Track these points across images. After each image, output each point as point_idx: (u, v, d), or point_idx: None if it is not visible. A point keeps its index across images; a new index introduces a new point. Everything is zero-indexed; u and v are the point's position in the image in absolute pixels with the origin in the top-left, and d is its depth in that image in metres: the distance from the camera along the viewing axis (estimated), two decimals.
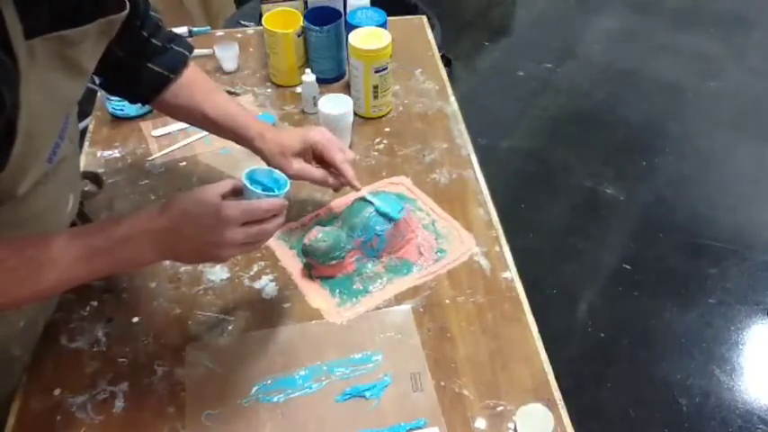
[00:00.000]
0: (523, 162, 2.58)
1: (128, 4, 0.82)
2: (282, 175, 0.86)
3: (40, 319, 0.93)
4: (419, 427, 0.83)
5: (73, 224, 0.97)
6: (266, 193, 0.81)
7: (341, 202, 1.12)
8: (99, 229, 0.78)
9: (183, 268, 1.02)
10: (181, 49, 1.01)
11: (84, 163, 1.19)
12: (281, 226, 0.83)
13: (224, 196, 0.79)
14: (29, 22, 0.65)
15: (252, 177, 0.83)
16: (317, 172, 1.01)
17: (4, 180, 0.71)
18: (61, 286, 0.78)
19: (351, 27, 1.26)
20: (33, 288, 0.74)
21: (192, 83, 1.02)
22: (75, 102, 0.85)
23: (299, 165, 0.99)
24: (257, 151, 1.01)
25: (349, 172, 1.00)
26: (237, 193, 0.81)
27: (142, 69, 0.98)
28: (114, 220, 0.77)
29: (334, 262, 0.98)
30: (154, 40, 0.97)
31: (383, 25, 1.29)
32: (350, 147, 1.22)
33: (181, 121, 1.12)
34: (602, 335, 2.00)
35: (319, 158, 1.01)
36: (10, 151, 0.68)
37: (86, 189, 1.12)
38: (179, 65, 1.00)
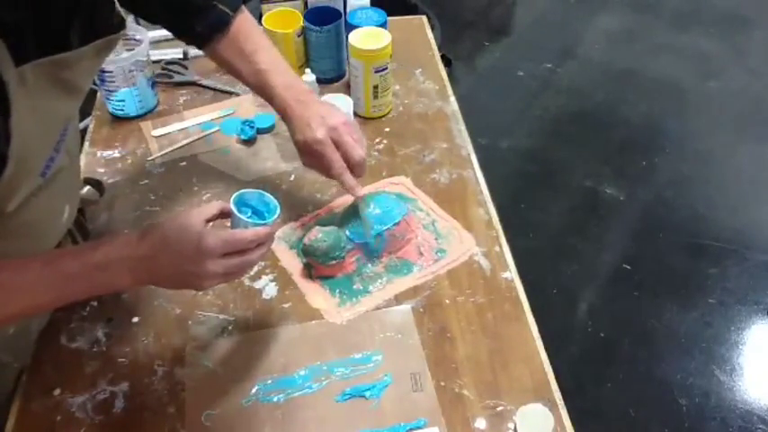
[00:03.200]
0: (523, 162, 2.58)
1: (126, 22, 0.81)
2: (273, 199, 0.83)
3: (32, 327, 0.93)
4: (419, 427, 0.83)
5: (69, 233, 0.97)
6: (254, 221, 0.79)
7: (341, 201, 1.11)
8: (75, 254, 0.76)
9: None
10: (225, 9, 0.98)
11: (83, 163, 1.19)
12: (266, 254, 0.81)
13: (210, 220, 0.77)
14: (16, 50, 0.64)
15: (241, 200, 0.81)
16: (336, 163, 0.96)
17: None
18: (35, 310, 0.77)
19: (351, 27, 1.26)
20: (5, 312, 0.73)
21: (235, 41, 0.99)
22: (71, 119, 0.83)
23: (307, 161, 0.98)
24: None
25: (347, 182, 0.96)
26: (226, 215, 0.79)
27: (187, 28, 0.98)
28: (91, 246, 0.76)
29: (334, 262, 0.98)
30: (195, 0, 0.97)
31: (383, 25, 1.29)
32: None
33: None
34: (602, 335, 2.00)
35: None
36: (0, 176, 0.67)
37: (87, 194, 1.11)
38: (221, 26, 0.98)
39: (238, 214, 0.78)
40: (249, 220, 0.79)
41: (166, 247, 0.75)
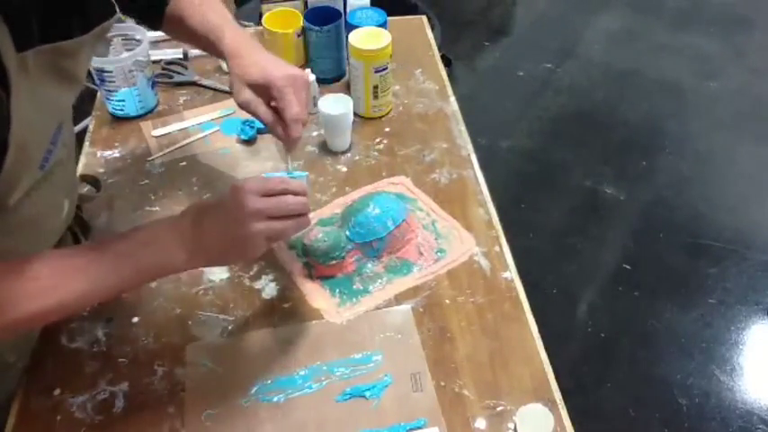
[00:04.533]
0: (523, 162, 2.58)
1: (116, 7, 0.81)
2: (302, 175, 0.89)
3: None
4: (419, 427, 0.83)
5: (69, 229, 0.97)
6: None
7: (341, 201, 1.11)
8: (122, 235, 0.76)
9: None
10: None
11: (83, 163, 1.19)
12: (305, 206, 0.81)
13: None
14: (19, 35, 0.64)
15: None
16: (262, 109, 0.91)
17: None
18: (91, 297, 0.75)
19: (351, 27, 1.26)
20: (61, 298, 0.71)
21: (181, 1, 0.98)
22: (69, 109, 0.84)
23: (248, 96, 0.91)
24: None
25: (294, 131, 0.89)
26: None
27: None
28: (136, 227, 0.77)
29: (334, 262, 0.98)
30: None
31: (383, 25, 1.29)
32: (350, 147, 1.22)
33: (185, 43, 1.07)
34: (602, 335, 2.00)
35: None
36: (2, 163, 0.67)
37: (85, 192, 1.11)
38: None
39: (272, 173, 0.84)
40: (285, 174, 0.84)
41: (211, 213, 0.77)
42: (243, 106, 0.91)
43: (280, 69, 0.90)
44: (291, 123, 0.89)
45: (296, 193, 0.79)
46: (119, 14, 0.81)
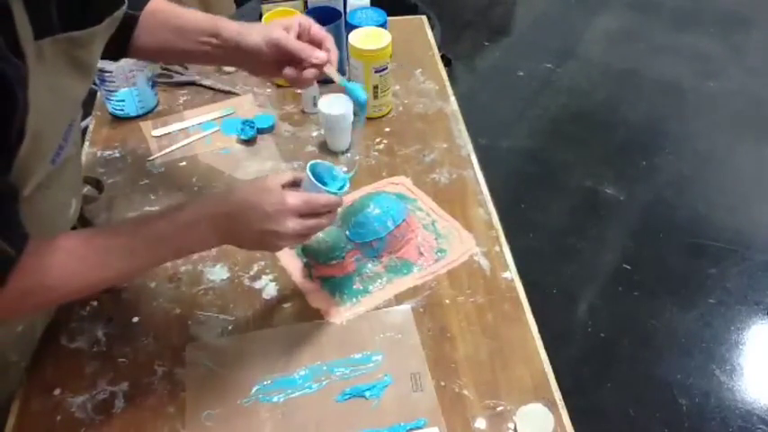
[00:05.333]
0: (523, 162, 2.58)
1: None
2: (341, 172, 0.88)
3: (38, 324, 0.93)
4: (419, 427, 0.83)
5: (73, 228, 0.97)
6: (327, 188, 0.83)
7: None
8: (161, 216, 0.79)
9: (183, 268, 1.01)
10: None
11: (83, 163, 1.19)
12: (333, 220, 0.85)
13: (285, 186, 0.81)
14: (38, 23, 0.66)
15: (314, 169, 0.85)
16: (288, 72, 0.90)
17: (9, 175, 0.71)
18: (130, 273, 0.80)
19: (351, 27, 1.26)
20: (103, 275, 0.76)
21: (159, 9, 0.94)
22: (80, 103, 0.85)
23: (280, 33, 0.90)
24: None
25: (320, 57, 0.89)
26: (296, 184, 0.84)
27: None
28: (176, 207, 0.79)
29: (334, 262, 0.98)
30: None
31: (383, 25, 1.29)
32: (350, 147, 1.22)
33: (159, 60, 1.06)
34: (602, 335, 2.00)
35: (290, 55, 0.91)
36: (17, 152, 0.68)
37: (86, 192, 1.11)
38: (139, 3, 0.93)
39: (316, 182, 0.83)
40: (323, 188, 0.83)
41: (250, 206, 0.79)
42: (278, 43, 0.89)
43: (273, 32, 0.90)
44: (324, 42, 0.91)
45: (330, 210, 0.83)
46: (125, 5, 0.82)
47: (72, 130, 0.81)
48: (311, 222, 0.81)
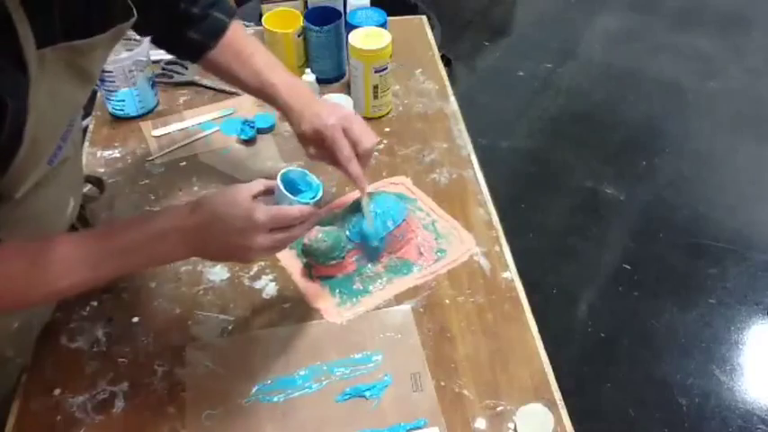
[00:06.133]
0: (523, 162, 2.58)
1: (135, 11, 0.82)
2: (316, 179, 0.87)
3: (34, 322, 0.93)
4: (419, 427, 0.83)
5: (72, 227, 0.97)
6: (299, 199, 0.82)
7: (341, 201, 1.11)
8: (129, 226, 0.78)
9: (184, 268, 1.01)
10: (220, 16, 1.00)
11: (83, 163, 1.19)
12: (308, 230, 0.85)
13: (256, 196, 0.80)
14: (40, 33, 0.66)
15: (286, 177, 0.83)
16: (327, 160, 0.98)
17: (3, 182, 0.71)
18: (94, 282, 0.79)
19: (351, 27, 1.26)
20: (66, 284, 0.75)
21: (231, 46, 1.00)
22: (80, 107, 0.85)
23: (311, 152, 0.98)
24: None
25: (354, 170, 0.94)
26: (269, 193, 0.82)
27: (182, 38, 0.98)
28: (143, 218, 0.79)
29: (334, 262, 0.98)
30: (193, 9, 0.98)
31: (383, 25, 1.29)
32: None
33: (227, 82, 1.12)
34: (602, 335, 2.00)
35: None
36: (14, 157, 0.68)
37: (87, 191, 1.11)
38: (217, 32, 0.99)
39: (285, 192, 0.81)
40: (295, 198, 0.82)
41: (218, 220, 0.77)
42: (323, 140, 0.95)
43: (328, 117, 0.94)
44: (347, 164, 0.94)
45: (303, 221, 0.82)
46: (135, 17, 0.82)
47: (71, 130, 0.81)
48: (281, 236, 0.80)
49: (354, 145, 0.94)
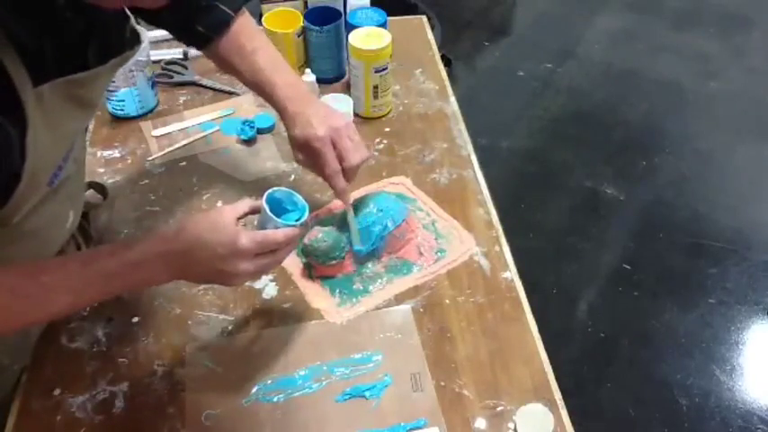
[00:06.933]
0: (523, 162, 2.58)
1: (142, 38, 0.82)
2: (302, 199, 0.86)
3: (32, 329, 0.93)
4: (419, 427, 0.83)
5: (72, 237, 0.97)
6: (284, 221, 0.81)
7: (341, 202, 1.11)
8: (112, 253, 0.76)
9: None
10: (225, 8, 0.98)
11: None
12: (291, 252, 0.84)
13: (241, 217, 0.79)
14: (36, 70, 0.65)
15: (272, 198, 0.82)
16: (314, 170, 0.97)
17: (1, 211, 0.70)
18: (76, 307, 0.79)
19: (351, 27, 1.26)
20: (48, 311, 0.75)
21: (236, 40, 0.99)
22: (83, 131, 0.84)
23: (299, 157, 0.97)
24: None
25: (338, 185, 0.94)
26: (255, 212, 0.81)
27: (187, 28, 0.98)
28: (126, 245, 0.77)
29: (334, 262, 0.98)
30: (200, 0, 0.97)
31: (383, 25, 1.29)
32: None
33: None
34: (602, 335, 2.00)
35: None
36: (13, 193, 0.68)
37: (89, 197, 1.11)
38: (222, 25, 0.98)
39: (271, 215, 0.80)
40: (280, 221, 0.80)
41: (201, 246, 0.76)
42: (312, 150, 0.94)
43: (319, 127, 0.93)
44: (330, 179, 0.94)
45: (287, 243, 0.81)
46: (142, 45, 0.81)
47: (73, 149, 0.80)
48: (265, 261, 0.79)
49: (341, 159, 0.93)
